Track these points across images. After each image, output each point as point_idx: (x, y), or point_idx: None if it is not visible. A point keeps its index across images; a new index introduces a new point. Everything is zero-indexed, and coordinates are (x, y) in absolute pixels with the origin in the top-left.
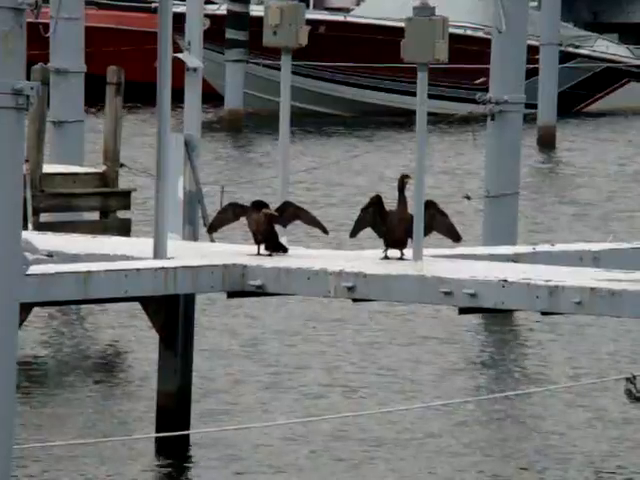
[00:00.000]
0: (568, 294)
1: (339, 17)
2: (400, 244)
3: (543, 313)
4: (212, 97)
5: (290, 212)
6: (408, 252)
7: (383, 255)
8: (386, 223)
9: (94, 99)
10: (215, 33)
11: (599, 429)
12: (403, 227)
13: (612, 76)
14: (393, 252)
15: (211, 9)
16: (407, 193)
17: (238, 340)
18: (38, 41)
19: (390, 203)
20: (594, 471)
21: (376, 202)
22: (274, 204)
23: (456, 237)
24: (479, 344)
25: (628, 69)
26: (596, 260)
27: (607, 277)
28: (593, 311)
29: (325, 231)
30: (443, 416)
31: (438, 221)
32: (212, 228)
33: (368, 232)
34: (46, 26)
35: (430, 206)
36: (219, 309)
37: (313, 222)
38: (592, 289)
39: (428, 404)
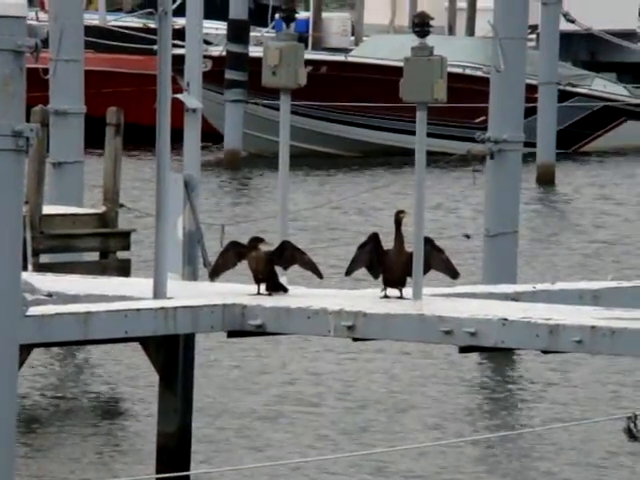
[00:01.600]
0: (568, 333)
1: (340, 57)
2: (399, 283)
3: (543, 352)
4: (212, 137)
5: (289, 253)
6: (407, 291)
7: (382, 294)
8: (384, 262)
9: (94, 141)
10: (215, 74)
11: (603, 467)
12: (401, 266)
13: (610, 115)
14: (392, 291)
15: (213, 50)
16: (404, 229)
17: (240, 375)
18: (38, 84)
19: (389, 240)
20: None
21: (373, 240)
22: (274, 243)
23: (454, 273)
24: (480, 382)
25: (625, 108)
26: (596, 298)
27: (607, 316)
28: (594, 350)
29: (320, 276)
30: (441, 455)
31: (435, 258)
32: (214, 274)
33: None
34: (45, 69)
35: (426, 243)
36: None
37: (309, 266)
38: (592, 327)
39: (422, 444)
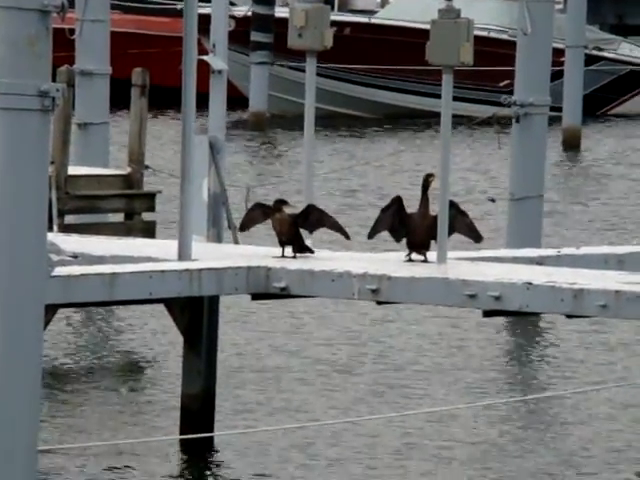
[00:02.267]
0: (593, 297)
1: (364, 19)
2: (423, 247)
3: (568, 316)
4: (236, 100)
5: (314, 216)
6: (432, 255)
7: (407, 258)
8: (408, 225)
9: (119, 102)
10: (239, 35)
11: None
12: (425, 230)
13: (636, 79)
14: (417, 255)
15: (236, 10)
16: (430, 193)
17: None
18: (64, 44)
19: (414, 203)
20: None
21: (396, 203)
22: (300, 205)
23: (477, 237)
24: (505, 345)
25: None
26: (621, 263)
27: (632, 280)
28: (618, 314)
29: (347, 236)
30: (466, 417)
31: (459, 221)
32: (243, 227)
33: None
34: (72, 30)
35: (451, 206)
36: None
37: (335, 227)
38: (617, 292)
39: (448, 407)
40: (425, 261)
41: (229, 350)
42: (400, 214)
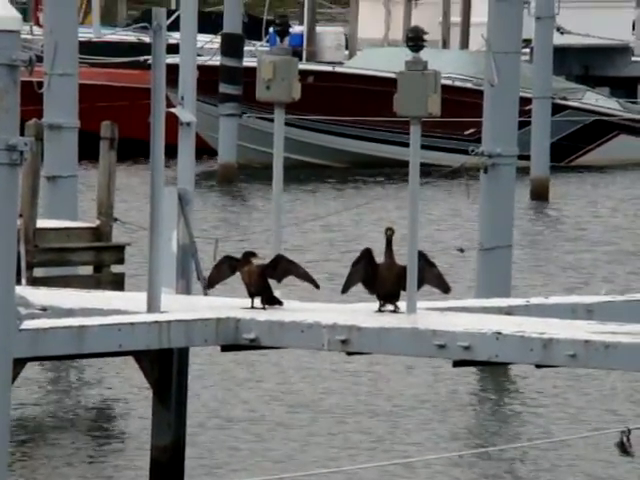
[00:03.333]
0: (562, 347)
1: (327, 68)
2: (392, 297)
3: (537, 366)
4: (203, 151)
5: (283, 266)
6: (402, 305)
7: (377, 308)
8: (376, 277)
9: (88, 154)
10: (206, 84)
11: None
12: (392, 280)
13: (602, 129)
14: (388, 305)
15: (200, 60)
16: (398, 242)
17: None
18: (32, 97)
19: (381, 255)
20: None
21: (366, 256)
22: (268, 257)
23: (446, 288)
24: (475, 396)
25: (617, 122)
26: (590, 313)
27: (601, 330)
28: (587, 364)
29: (316, 286)
30: (440, 469)
31: (428, 272)
32: (210, 285)
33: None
34: (40, 83)
35: (420, 257)
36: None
37: (305, 277)
38: (586, 342)
39: (414, 459)
40: (395, 311)
41: (198, 402)
42: (371, 266)
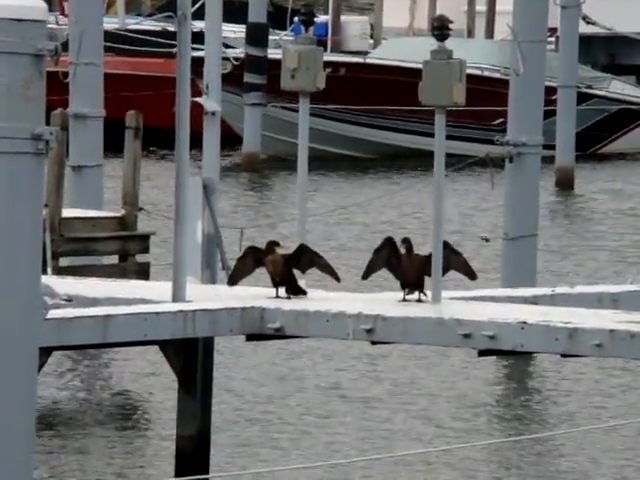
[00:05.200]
0: (587, 336)
1: (359, 59)
2: (415, 286)
3: (563, 355)
4: (231, 139)
5: (307, 257)
6: (428, 294)
7: (401, 298)
8: (399, 267)
9: (113, 143)
10: (235, 76)
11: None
12: (415, 269)
13: (627, 117)
14: (411, 295)
15: (233, 53)
16: (424, 231)
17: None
18: (57, 87)
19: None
20: None
21: (388, 245)
22: (292, 247)
23: (472, 275)
24: (499, 385)
25: None
26: (615, 302)
27: (627, 319)
28: (613, 353)
29: (338, 279)
30: (462, 458)
31: (453, 260)
32: (233, 281)
33: (384, 274)
34: (65, 73)
35: (444, 247)
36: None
37: (326, 269)
38: (611, 331)
39: (444, 447)
40: (419, 300)
41: (224, 392)
42: (394, 253)
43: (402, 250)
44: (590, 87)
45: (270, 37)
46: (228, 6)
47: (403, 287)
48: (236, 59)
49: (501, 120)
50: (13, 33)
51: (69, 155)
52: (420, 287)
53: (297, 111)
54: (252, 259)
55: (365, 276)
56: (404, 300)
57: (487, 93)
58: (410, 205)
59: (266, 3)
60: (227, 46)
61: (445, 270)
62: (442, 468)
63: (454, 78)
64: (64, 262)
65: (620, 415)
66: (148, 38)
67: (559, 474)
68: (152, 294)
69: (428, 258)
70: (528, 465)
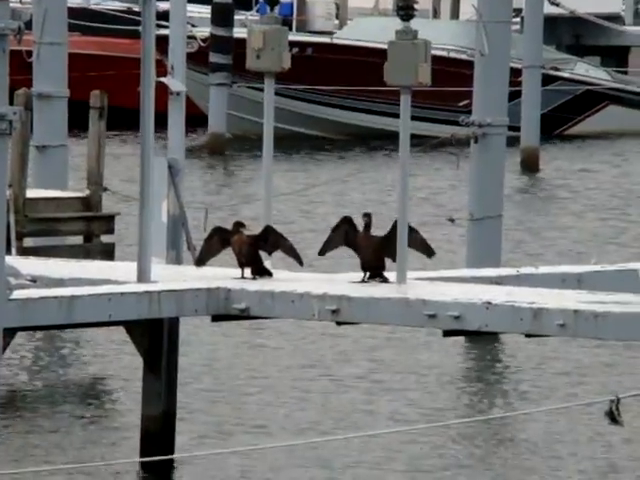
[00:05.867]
0: (552, 316)
1: (326, 39)
2: (374, 268)
3: (527, 335)
4: (197, 120)
5: (272, 238)
6: (389, 275)
7: (360, 280)
8: (356, 248)
9: (77, 124)
10: (201, 55)
11: (585, 450)
12: (371, 250)
13: (592, 99)
14: (371, 277)
15: (199, 32)
16: (388, 214)
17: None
18: (21, 66)
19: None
20: None
21: (346, 223)
22: (257, 227)
23: (429, 252)
24: (464, 365)
25: (607, 92)
26: (580, 282)
27: (591, 299)
28: (577, 333)
29: (301, 263)
30: (429, 438)
31: (411, 238)
32: (200, 262)
33: (346, 253)
34: (29, 52)
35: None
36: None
37: (290, 251)
38: (575, 311)
39: (415, 427)
40: (384, 281)
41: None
42: (352, 231)
43: (362, 223)
44: (556, 69)
45: (236, 17)
46: None
47: (363, 269)
48: (203, 39)
49: (467, 102)
50: None
51: (33, 135)
52: (378, 269)
53: (263, 90)
54: (219, 240)
55: (321, 252)
56: (363, 281)
57: (453, 74)
58: (375, 185)
59: None
60: (193, 26)
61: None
62: (410, 446)
63: (419, 58)
64: (28, 242)
65: (586, 393)
66: (113, 17)
67: (523, 454)
68: (117, 275)
69: (385, 239)
70: (493, 445)
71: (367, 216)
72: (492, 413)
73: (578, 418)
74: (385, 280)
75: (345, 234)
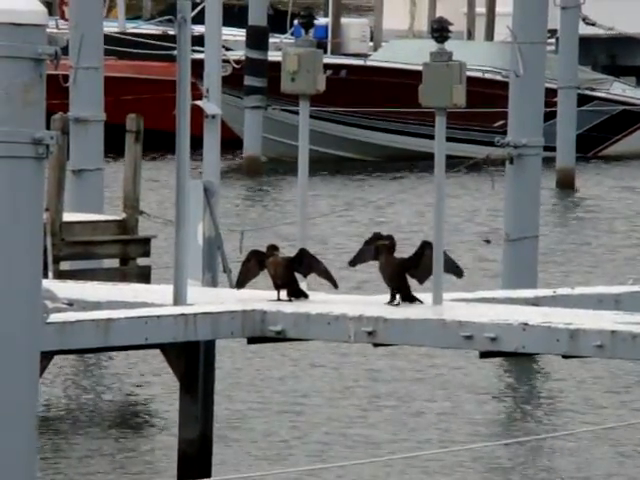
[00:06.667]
0: (589, 337)
1: (359, 61)
2: (394, 289)
3: (564, 356)
4: (232, 143)
5: (306, 262)
6: (422, 296)
7: (387, 300)
8: (379, 268)
9: (114, 146)
10: (234, 78)
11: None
12: (390, 272)
13: (629, 119)
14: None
15: (232, 55)
16: (417, 235)
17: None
18: (58, 91)
19: (403, 244)
20: None
21: (377, 238)
22: (293, 249)
23: (459, 272)
24: (502, 387)
25: None
26: (617, 303)
27: (628, 320)
28: (614, 354)
29: (335, 285)
30: (468, 460)
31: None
32: (240, 284)
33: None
34: (66, 77)
35: (426, 246)
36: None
37: (325, 274)
38: (613, 332)
39: (449, 449)
40: (412, 302)
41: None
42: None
43: (386, 246)
44: (591, 89)
45: (270, 40)
46: (228, 10)
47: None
48: (236, 62)
49: (502, 122)
50: (13, 37)
51: (70, 159)
52: (400, 290)
53: (298, 113)
54: (255, 262)
55: (352, 263)
56: (390, 303)
57: (487, 95)
58: (412, 207)
59: (266, 6)
60: (227, 49)
61: (430, 272)
62: (442, 468)
63: (454, 80)
64: (65, 266)
65: (622, 415)
66: (148, 42)
67: (556, 475)
68: (153, 297)
69: (408, 260)
70: (526, 467)
71: (389, 239)
72: (526, 435)
73: (623, 438)
74: (414, 300)
75: (376, 250)
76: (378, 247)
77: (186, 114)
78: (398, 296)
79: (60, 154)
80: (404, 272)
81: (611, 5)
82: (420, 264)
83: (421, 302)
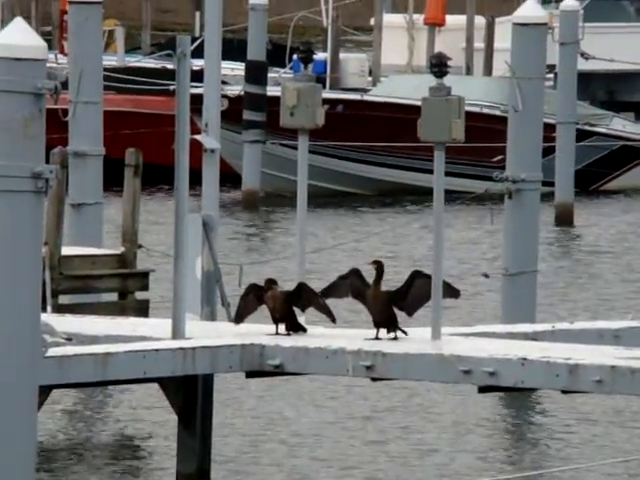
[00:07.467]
0: (588, 372)
1: (356, 96)
2: (383, 324)
3: (563, 391)
4: (229, 177)
5: (305, 296)
6: (415, 330)
7: (374, 336)
8: (366, 302)
9: (112, 180)
10: (233, 113)
11: None
12: (379, 308)
13: (629, 154)
14: (385, 333)
15: (229, 90)
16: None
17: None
18: (57, 125)
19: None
20: None
21: (354, 274)
22: (292, 283)
23: (455, 293)
24: (500, 423)
25: None
26: (616, 338)
27: (627, 355)
28: (614, 390)
29: (333, 320)
30: None
31: (429, 288)
32: (239, 319)
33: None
34: (65, 111)
35: (416, 276)
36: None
37: (323, 309)
38: (612, 367)
39: None
40: (395, 338)
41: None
42: (360, 287)
43: (373, 272)
44: (591, 124)
45: (269, 74)
46: (227, 44)
47: (375, 325)
48: (231, 97)
49: (500, 157)
50: (13, 72)
51: (69, 193)
52: (388, 325)
53: (296, 148)
54: (254, 296)
55: (325, 294)
56: (376, 338)
57: (486, 130)
58: (408, 241)
59: (265, 41)
60: (224, 83)
61: (426, 299)
62: None
63: (453, 115)
64: (64, 300)
65: (625, 451)
66: (147, 78)
67: None
68: (152, 331)
69: (396, 293)
70: None
71: (377, 263)
72: (527, 470)
73: (615, 475)
74: (403, 333)
75: (350, 286)
76: (377, 272)
77: (185, 148)
78: (383, 331)
79: (59, 188)
80: (391, 306)
81: (609, 41)
82: (408, 296)
83: (406, 333)
